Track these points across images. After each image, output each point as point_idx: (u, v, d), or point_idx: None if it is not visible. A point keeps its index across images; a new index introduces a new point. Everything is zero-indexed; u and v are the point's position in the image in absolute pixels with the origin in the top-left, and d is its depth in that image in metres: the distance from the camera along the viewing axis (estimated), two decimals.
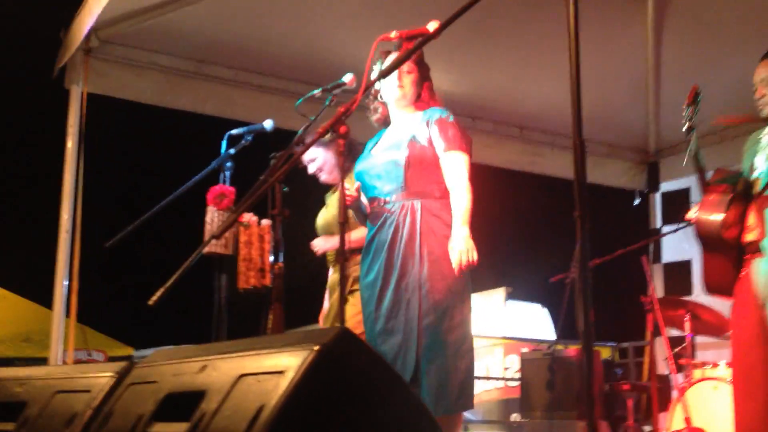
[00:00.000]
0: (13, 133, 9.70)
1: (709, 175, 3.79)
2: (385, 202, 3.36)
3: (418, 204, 3.32)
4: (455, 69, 5.46)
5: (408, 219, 3.30)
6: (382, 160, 3.40)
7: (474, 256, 3.19)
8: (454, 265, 3.18)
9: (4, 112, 9.39)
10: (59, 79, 5.17)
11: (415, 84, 3.47)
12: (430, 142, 3.37)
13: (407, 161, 3.33)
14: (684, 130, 3.82)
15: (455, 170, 3.34)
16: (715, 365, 4.51)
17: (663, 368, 5.77)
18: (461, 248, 3.18)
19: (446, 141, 3.35)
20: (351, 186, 3.36)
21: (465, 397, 3.22)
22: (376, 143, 3.55)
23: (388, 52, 3.45)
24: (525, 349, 5.59)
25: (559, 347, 5.23)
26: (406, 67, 3.40)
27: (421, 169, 3.35)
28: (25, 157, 9.80)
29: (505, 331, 7.41)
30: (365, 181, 3.44)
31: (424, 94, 3.50)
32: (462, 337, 3.25)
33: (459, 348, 3.23)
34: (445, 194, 3.34)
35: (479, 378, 6.80)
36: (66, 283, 4.84)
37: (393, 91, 3.45)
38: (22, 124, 9.44)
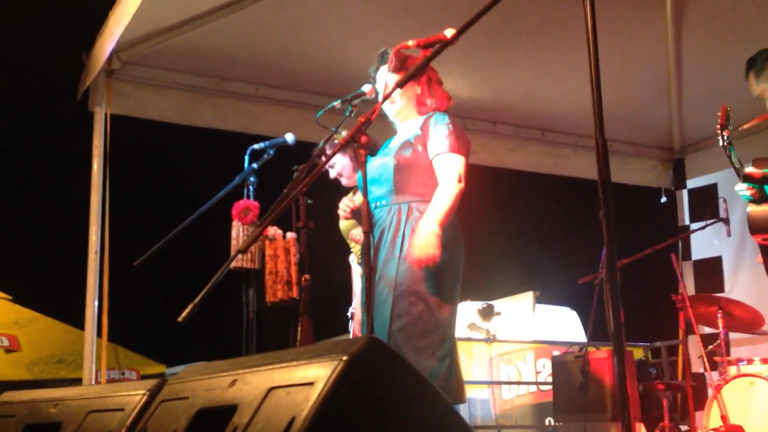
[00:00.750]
0: (39, 157, 9.83)
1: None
2: (376, 206, 3.36)
3: (405, 207, 3.31)
4: (474, 75, 5.46)
5: (394, 221, 3.30)
6: (376, 164, 3.40)
7: (432, 252, 3.11)
8: (410, 260, 3.15)
9: (30, 137, 9.53)
10: (83, 101, 5.24)
11: (410, 97, 3.46)
12: (425, 147, 3.36)
13: (397, 165, 3.33)
14: (724, 147, 3.92)
15: (445, 170, 3.31)
16: (750, 361, 4.45)
17: (697, 366, 5.71)
18: (419, 243, 3.13)
19: (439, 144, 3.33)
20: (353, 196, 3.37)
21: None
22: (382, 150, 3.57)
23: (385, 53, 3.44)
24: (556, 353, 5.54)
25: (591, 349, 5.18)
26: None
27: (412, 173, 3.33)
28: (52, 180, 9.93)
29: (535, 335, 7.35)
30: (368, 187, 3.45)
31: (425, 100, 3.48)
32: (438, 342, 3.20)
33: (434, 353, 3.18)
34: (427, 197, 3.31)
35: (510, 383, 6.76)
36: (96, 303, 4.89)
37: (387, 107, 3.46)
38: (48, 147, 9.56)
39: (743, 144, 6.04)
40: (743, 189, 4.02)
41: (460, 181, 3.28)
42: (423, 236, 3.14)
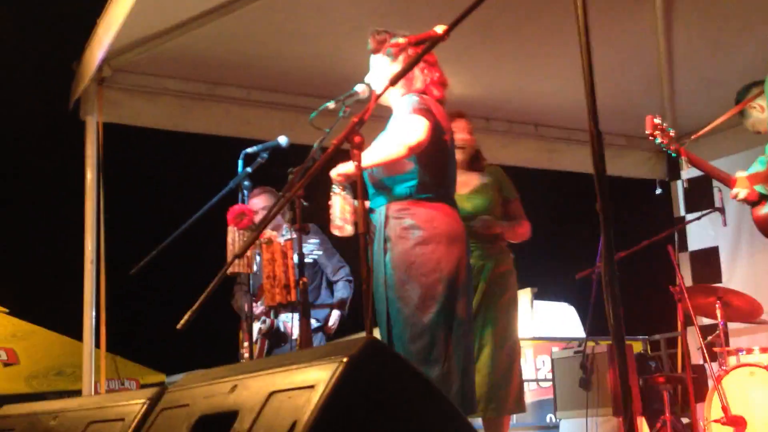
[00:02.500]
0: (32, 168, 9.80)
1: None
2: (371, 211, 3.32)
3: (383, 209, 3.27)
4: (466, 71, 5.45)
5: (380, 225, 3.26)
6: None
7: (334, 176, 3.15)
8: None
9: (22, 148, 9.50)
10: (74, 110, 5.22)
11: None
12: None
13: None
14: (672, 153, 4.02)
15: (399, 128, 3.21)
16: (750, 351, 4.45)
17: (697, 358, 5.70)
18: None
19: (401, 116, 3.25)
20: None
21: None
22: None
23: (381, 38, 3.41)
24: (555, 349, 5.54)
25: (590, 344, 5.18)
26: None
27: (386, 170, 3.26)
28: (45, 190, 9.90)
29: (534, 332, 7.35)
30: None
31: (406, 87, 3.38)
32: (425, 346, 3.12)
33: (426, 357, 3.10)
34: (413, 192, 3.24)
35: None
36: (94, 313, 4.87)
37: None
38: (41, 158, 9.54)
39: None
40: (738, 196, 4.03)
41: (417, 139, 3.14)
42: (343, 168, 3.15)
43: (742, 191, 4.03)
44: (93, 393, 4.83)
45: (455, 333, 3.18)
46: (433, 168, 3.28)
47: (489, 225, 3.99)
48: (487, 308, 3.91)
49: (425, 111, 3.22)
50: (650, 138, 4.24)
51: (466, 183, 4.04)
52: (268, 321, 4.66)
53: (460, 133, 4.00)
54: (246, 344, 4.47)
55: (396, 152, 3.17)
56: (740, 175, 4.09)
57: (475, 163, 4.19)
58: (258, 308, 4.64)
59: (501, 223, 4.08)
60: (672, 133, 4.24)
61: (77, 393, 5.91)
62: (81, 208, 5.03)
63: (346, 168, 3.18)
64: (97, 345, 4.90)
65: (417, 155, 3.21)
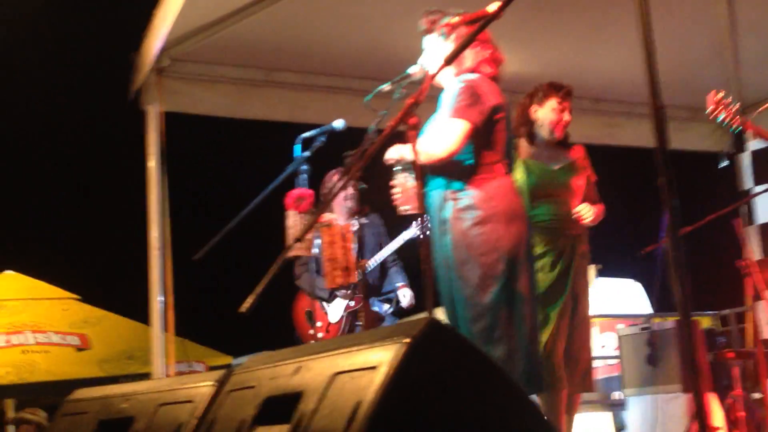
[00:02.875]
0: (97, 159, 10.04)
1: None
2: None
3: (440, 191, 3.26)
4: (521, 48, 5.37)
5: (437, 207, 3.26)
6: None
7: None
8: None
9: (85, 140, 9.73)
10: (135, 101, 5.31)
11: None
12: None
13: None
14: (736, 129, 4.03)
15: (438, 134, 3.19)
16: None
17: (767, 333, 5.57)
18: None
19: (445, 109, 3.23)
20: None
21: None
22: None
23: (433, 18, 3.39)
24: (621, 325, 5.45)
25: (656, 320, 5.09)
26: None
27: None
28: (110, 181, 10.13)
29: (599, 309, 7.25)
30: None
31: (455, 67, 3.34)
32: (490, 326, 3.12)
33: (488, 337, 3.10)
34: (469, 172, 3.23)
35: None
36: (161, 298, 4.98)
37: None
38: (104, 149, 9.76)
39: None
40: None
41: (445, 151, 3.15)
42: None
43: None
44: (163, 376, 4.95)
45: (517, 312, 3.16)
46: (487, 148, 3.26)
47: (592, 217, 3.97)
48: (575, 286, 3.89)
49: (467, 108, 3.19)
50: (711, 116, 4.09)
51: (556, 158, 4.00)
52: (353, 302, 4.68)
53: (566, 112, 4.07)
54: (319, 324, 4.54)
55: (424, 159, 3.13)
56: None
57: (566, 139, 4.18)
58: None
59: (594, 210, 4.05)
60: (736, 107, 4.09)
61: (147, 376, 6.05)
62: (145, 197, 5.14)
63: (399, 151, 3.18)
64: (165, 329, 5.01)
65: (471, 137, 3.20)
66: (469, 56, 3.35)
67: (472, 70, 3.35)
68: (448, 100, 3.26)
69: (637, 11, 1.99)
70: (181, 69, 5.26)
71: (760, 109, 4.29)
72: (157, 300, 4.98)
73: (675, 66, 5.58)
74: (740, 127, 4.09)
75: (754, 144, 6.66)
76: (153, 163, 5.13)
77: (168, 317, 4.97)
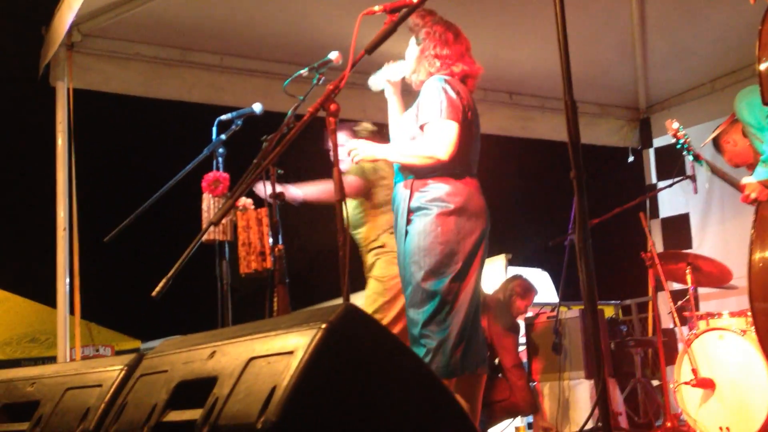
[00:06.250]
0: (3, 135, 9.67)
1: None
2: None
3: (408, 183, 3.33)
4: None
5: (405, 198, 3.35)
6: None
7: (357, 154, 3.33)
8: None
9: None
10: (44, 76, 5.14)
11: (418, 61, 3.43)
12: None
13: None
14: (693, 160, 4.57)
15: (433, 138, 3.26)
16: (719, 315, 4.54)
17: (667, 322, 5.81)
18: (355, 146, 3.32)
19: (422, 116, 3.31)
20: None
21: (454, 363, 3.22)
22: None
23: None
24: (529, 314, 5.61)
25: (563, 309, 5.25)
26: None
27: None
28: (16, 158, 9.78)
29: None
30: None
31: (424, 63, 3.42)
32: (435, 310, 3.23)
33: (431, 321, 3.22)
34: (438, 168, 3.29)
35: None
36: (68, 281, 4.85)
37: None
38: (11, 124, 9.41)
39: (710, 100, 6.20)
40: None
41: (447, 152, 3.23)
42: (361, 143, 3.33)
43: (753, 192, 4.10)
44: (68, 360, 4.83)
45: (462, 300, 3.26)
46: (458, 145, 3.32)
47: None
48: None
49: (454, 108, 3.27)
50: (675, 140, 4.60)
51: None
52: None
53: None
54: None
55: (423, 162, 3.26)
56: (747, 180, 4.16)
57: None
58: None
59: None
60: (688, 138, 4.55)
61: (52, 360, 5.90)
62: (52, 176, 4.98)
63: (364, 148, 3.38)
64: (72, 312, 4.88)
65: None
66: (437, 55, 3.43)
67: (440, 70, 3.41)
68: (431, 99, 3.30)
69: (553, 9, 2.05)
70: (93, 45, 5.11)
71: (718, 130, 4.56)
72: (64, 282, 4.84)
73: (587, 63, 5.74)
74: (694, 155, 4.57)
75: (658, 141, 6.92)
76: (61, 141, 4.97)
77: (74, 300, 4.84)
